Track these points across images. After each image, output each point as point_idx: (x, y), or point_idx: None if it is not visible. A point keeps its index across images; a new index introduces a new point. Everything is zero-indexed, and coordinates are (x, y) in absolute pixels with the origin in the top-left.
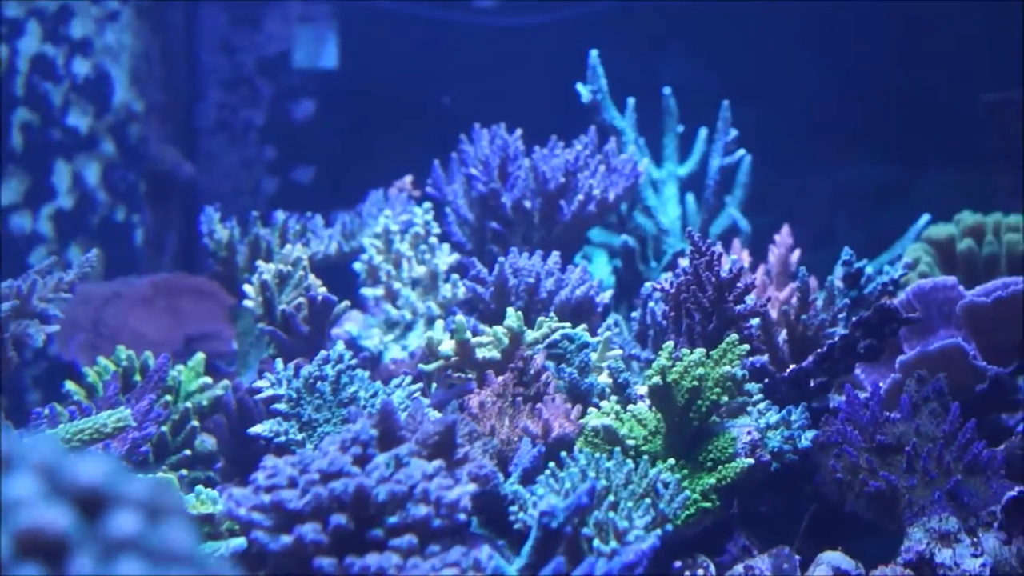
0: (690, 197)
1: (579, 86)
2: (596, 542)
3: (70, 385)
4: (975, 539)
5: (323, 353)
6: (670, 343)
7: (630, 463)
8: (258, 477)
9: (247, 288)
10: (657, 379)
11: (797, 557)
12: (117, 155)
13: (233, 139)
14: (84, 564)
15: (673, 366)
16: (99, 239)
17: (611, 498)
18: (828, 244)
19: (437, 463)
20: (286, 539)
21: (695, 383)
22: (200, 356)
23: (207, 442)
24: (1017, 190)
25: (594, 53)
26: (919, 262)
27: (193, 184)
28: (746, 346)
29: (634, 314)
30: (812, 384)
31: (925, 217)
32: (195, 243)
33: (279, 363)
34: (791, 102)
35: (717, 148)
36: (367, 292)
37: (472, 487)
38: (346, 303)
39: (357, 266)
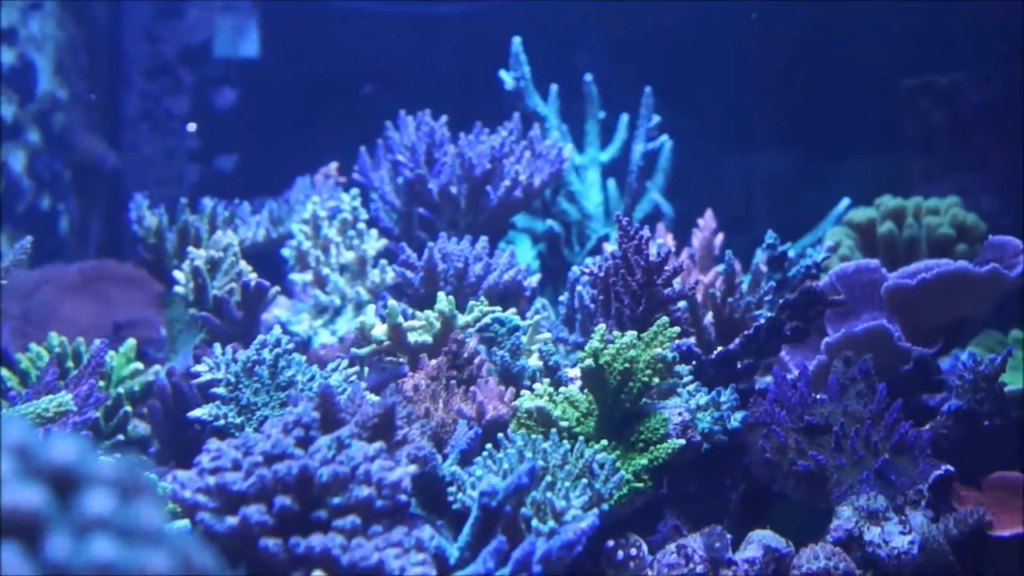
0: (611, 183)
1: (502, 73)
2: (534, 522)
3: (3, 371)
4: (903, 517)
5: (261, 337)
6: (602, 325)
7: (566, 444)
8: (202, 460)
9: (177, 274)
10: (589, 361)
11: (729, 536)
12: (42, 143)
13: (155, 128)
14: (59, 542)
15: (605, 348)
16: (24, 227)
17: (548, 478)
18: (744, 230)
19: (378, 445)
20: (231, 520)
21: (627, 365)
22: (131, 342)
23: (139, 427)
24: (933, 174)
25: (517, 40)
26: (840, 245)
27: (117, 172)
28: (676, 328)
29: (561, 298)
30: (739, 366)
31: (845, 201)
32: (119, 231)
33: (217, 347)
34: (706, 91)
35: (640, 134)
36: (296, 278)
37: (412, 468)
38: (276, 288)
39: (285, 252)
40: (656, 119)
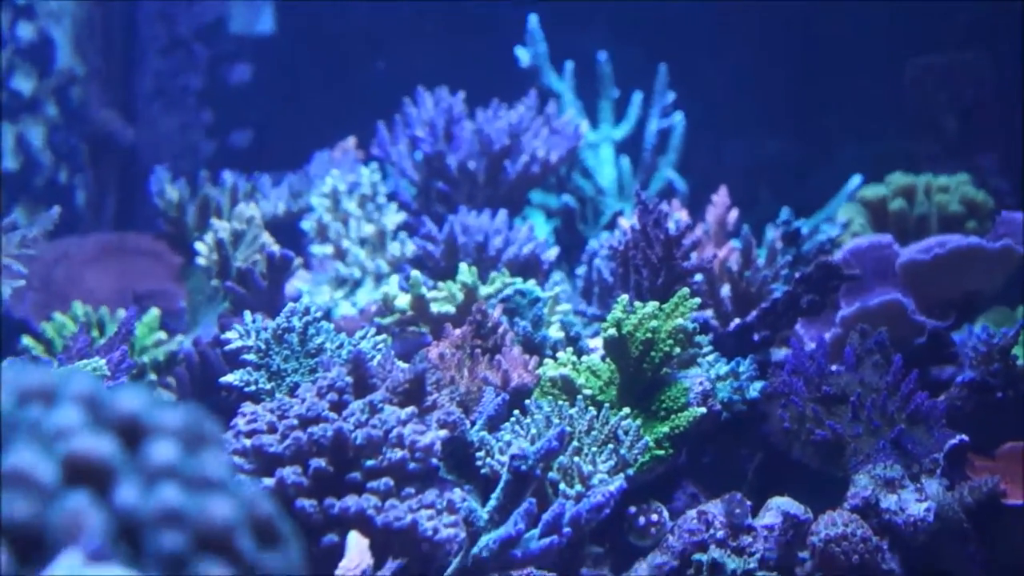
0: (624, 159)
1: (518, 50)
2: (562, 486)
3: (28, 340)
4: (919, 485)
5: (291, 305)
6: (624, 296)
7: (592, 410)
8: (238, 422)
9: (199, 246)
10: (612, 331)
11: (748, 503)
12: (60, 118)
13: (171, 103)
14: (128, 490)
15: (627, 318)
16: (43, 200)
17: (575, 444)
18: (748, 211)
19: (410, 409)
20: (268, 482)
21: (649, 335)
22: (154, 312)
23: (164, 396)
24: (939, 155)
25: (534, 17)
26: (852, 222)
27: (132, 147)
28: (697, 300)
29: (579, 271)
30: (756, 338)
31: (857, 178)
32: (134, 205)
33: (247, 315)
34: (710, 73)
35: (655, 111)
36: (316, 250)
37: (443, 432)
38: (300, 260)
39: (305, 225)
40: (671, 96)
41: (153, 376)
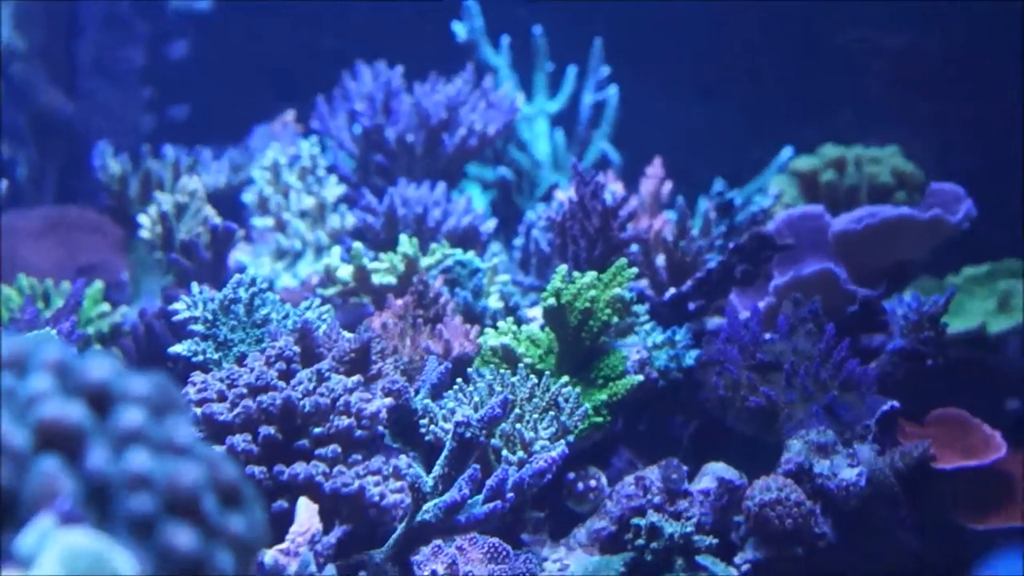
0: (559, 132)
1: (455, 25)
2: (505, 452)
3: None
4: (851, 450)
5: (237, 276)
6: (564, 266)
7: (533, 378)
8: (188, 391)
9: (142, 219)
10: (552, 301)
11: (684, 468)
12: (2, 94)
13: (110, 78)
14: (98, 455)
15: (566, 288)
16: None
17: (517, 411)
18: (684, 181)
19: (356, 378)
20: (218, 449)
21: (587, 304)
22: (98, 284)
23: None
24: (869, 128)
25: None
26: (784, 193)
27: (73, 122)
28: (634, 269)
29: (516, 242)
30: (691, 307)
31: (788, 150)
32: (75, 179)
33: (195, 286)
34: (646, 45)
35: (589, 84)
36: (257, 222)
37: (389, 400)
38: (242, 232)
39: (246, 197)
40: (605, 70)
41: (98, 347)
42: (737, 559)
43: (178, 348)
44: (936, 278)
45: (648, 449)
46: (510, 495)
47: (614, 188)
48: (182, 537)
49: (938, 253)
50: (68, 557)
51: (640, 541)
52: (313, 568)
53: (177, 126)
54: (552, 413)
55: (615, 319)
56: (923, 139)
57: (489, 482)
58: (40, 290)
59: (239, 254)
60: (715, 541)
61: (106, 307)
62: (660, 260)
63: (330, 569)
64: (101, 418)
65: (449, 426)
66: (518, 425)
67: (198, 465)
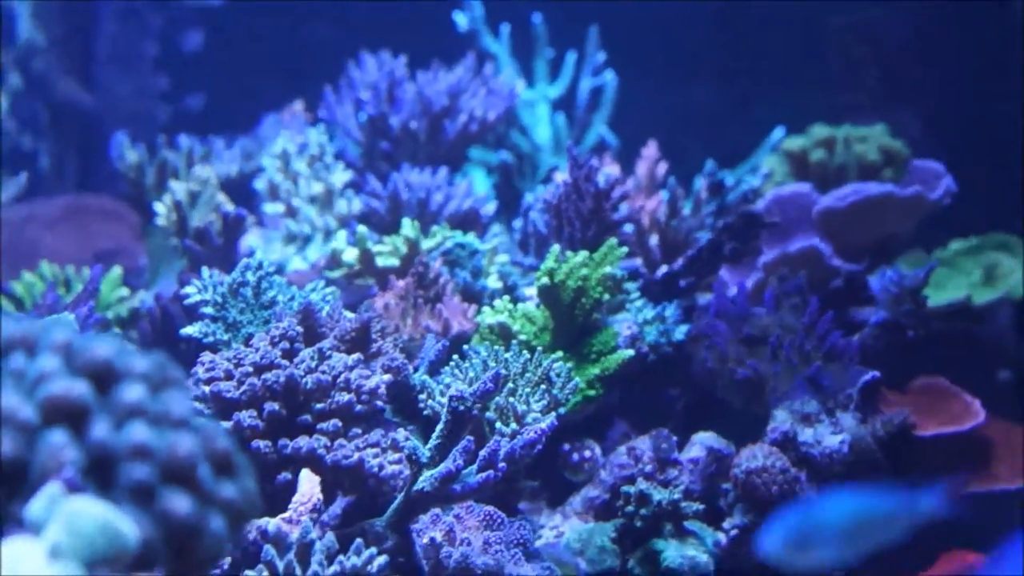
0: (560, 116)
1: (456, 15)
2: (498, 424)
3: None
4: (834, 419)
5: (245, 261)
6: (556, 246)
7: (526, 354)
8: (198, 370)
9: (158, 207)
10: (545, 279)
11: (675, 438)
12: (23, 87)
13: (126, 69)
14: (101, 428)
15: (559, 267)
16: (8, 165)
17: (510, 385)
18: (678, 161)
19: (356, 356)
20: (226, 425)
21: (580, 283)
22: (117, 270)
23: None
24: (862, 108)
25: None
26: (775, 172)
27: (91, 113)
28: (625, 248)
29: (516, 224)
30: (682, 284)
31: (780, 130)
32: (94, 168)
33: (205, 271)
34: (632, 29)
35: (587, 70)
36: (268, 208)
37: (387, 377)
38: (253, 218)
39: (257, 184)
40: (602, 56)
41: (118, 330)
42: (725, 524)
43: (189, 330)
44: (925, 252)
45: (643, 421)
46: (502, 465)
47: (609, 170)
48: (179, 503)
49: (931, 227)
50: (74, 522)
51: (630, 508)
52: (313, 535)
53: (192, 116)
54: (544, 387)
55: (606, 296)
56: (913, 115)
57: (482, 453)
58: (61, 277)
59: (251, 239)
60: (702, 507)
61: (125, 292)
62: (654, 239)
63: (330, 537)
64: (104, 394)
65: (444, 400)
66: (511, 399)
67: (194, 437)
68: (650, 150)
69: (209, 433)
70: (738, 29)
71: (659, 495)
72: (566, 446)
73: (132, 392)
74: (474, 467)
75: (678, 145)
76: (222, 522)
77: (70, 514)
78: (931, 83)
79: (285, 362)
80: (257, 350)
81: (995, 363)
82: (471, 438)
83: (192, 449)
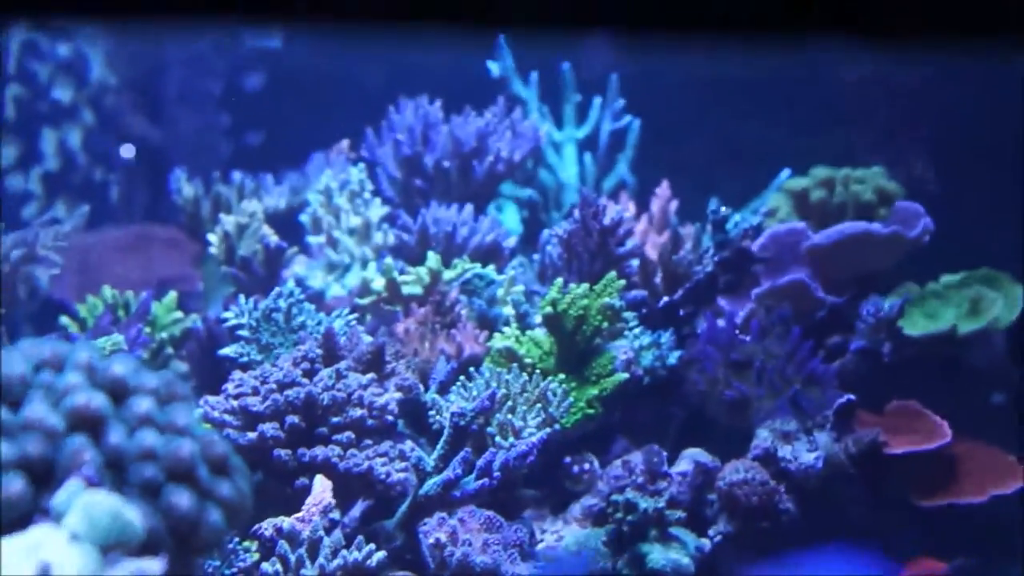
0: (588, 156)
1: (489, 63)
2: (498, 438)
3: (65, 319)
4: (811, 437)
5: (277, 289)
6: (560, 279)
7: (525, 375)
8: (228, 387)
9: (211, 237)
10: (549, 308)
11: (664, 453)
12: (95, 123)
13: (192, 108)
14: (116, 434)
15: (562, 298)
16: (80, 196)
17: (509, 403)
18: (710, 193)
19: (370, 376)
20: (251, 435)
21: (580, 312)
22: (172, 294)
23: (180, 366)
24: (873, 146)
25: (502, 37)
26: (779, 210)
27: (159, 147)
28: (623, 281)
29: (535, 256)
30: (681, 313)
31: (786, 172)
32: (161, 199)
33: (241, 297)
34: (670, 68)
35: (607, 115)
36: (311, 240)
37: (398, 395)
38: (295, 249)
39: (303, 218)
40: (621, 102)
41: (171, 350)
42: (710, 531)
43: (227, 350)
44: (918, 285)
45: (642, 437)
46: (497, 473)
47: (619, 209)
48: (181, 498)
49: (932, 262)
50: (91, 511)
51: (619, 515)
52: (321, 532)
53: (252, 151)
54: (540, 405)
55: (605, 324)
56: (919, 157)
57: (479, 463)
58: (121, 300)
59: (297, 267)
60: (684, 515)
61: (179, 314)
62: (658, 271)
63: (337, 534)
64: (119, 405)
65: (448, 415)
66: (510, 415)
67: (194, 442)
68: (663, 190)
69: (208, 440)
70: (756, 76)
71: (645, 503)
72: (568, 459)
73: (143, 404)
74: (472, 475)
75: (711, 179)
76: (219, 515)
77: (87, 505)
78: (938, 128)
79: (305, 381)
80: (281, 369)
81: (989, 388)
82: (469, 449)
83: (193, 452)
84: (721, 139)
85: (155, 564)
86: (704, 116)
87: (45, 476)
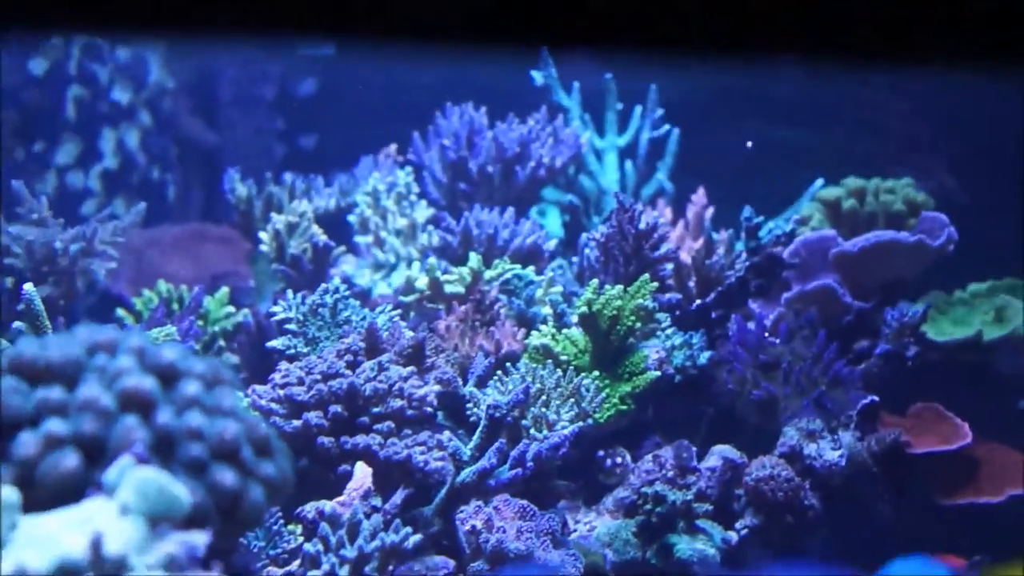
0: (629, 163)
1: (533, 72)
2: (532, 431)
3: (121, 312)
4: (835, 436)
5: (323, 285)
6: (595, 280)
7: (559, 371)
8: (275, 377)
9: (262, 235)
10: (584, 308)
11: (694, 448)
12: (153, 124)
13: (247, 111)
14: (165, 415)
15: (597, 298)
16: (138, 194)
17: (544, 398)
18: (746, 201)
19: (410, 369)
20: (296, 423)
21: (615, 312)
22: (225, 289)
23: (232, 358)
24: (902, 156)
25: (544, 48)
26: (812, 218)
27: (215, 149)
28: (655, 284)
29: (575, 259)
30: (713, 315)
31: (819, 181)
32: (216, 198)
33: (289, 293)
34: (706, 76)
35: (646, 124)
36: (359, 240)
37: (437, 387)
38: (342, 247)
39: (351, 218)
40: (660, 111)
41: (222, 342)
42: (737, 525)
43: (275, 343)
44: (946, 292)
45: (674, 433)
46: (530, 464)
47: (655, 214)
48: (225, 476)
49: (958, 272)
50: (140, 486)
51: (648, 506)
52: (361, 515)
53: (305, 154)
54: (573, 400)
55: (639, 324)
56: (949, 168)
57: (512, 453)
58: (176, 294)
59: (346, 266)
60: (711, 508)
61: (231, 309)
62: (692, 276)
63: (376, 518)
64: (168, 389)
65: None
66: (544, 409)
67: (239, 424)
68: (699, 196)
69: (252, 422)
70: (788, 88)
71: (673, 496)
72: (601, 453)
73: (190, 387)
74: (507, 465)
75: (748, 188)
76: (261, 493)
77: (137, 480)
78: (960, 140)
79: (348, 372)
80: (325, 361)
81: (1014, 394)
82: (503, 440)
83: (237, 434)
84: (759, 149)
85: (200, 537)
86: (741, 126)
87: (98, 453)
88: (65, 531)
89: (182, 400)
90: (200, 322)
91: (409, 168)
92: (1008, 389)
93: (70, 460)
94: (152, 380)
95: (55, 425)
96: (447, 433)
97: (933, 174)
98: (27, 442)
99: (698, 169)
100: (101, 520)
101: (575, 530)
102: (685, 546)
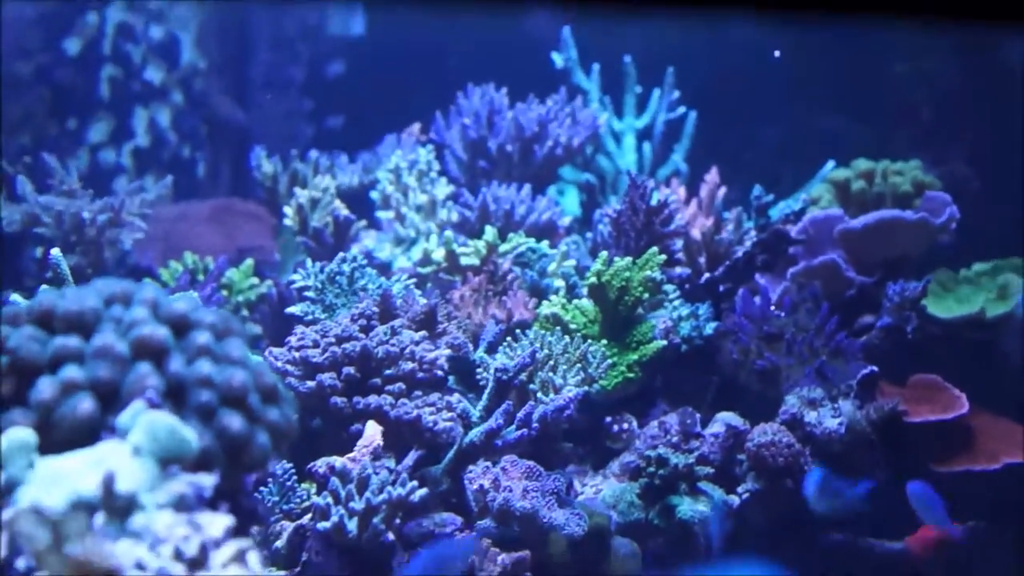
0: (647, 144)
1: (554, 55)
2: (539, 394)
3: (148, 282)
4: (835, 405)
5: (341, 255)
6: (605, 253)
7: (567, 338)
8: (291, 339)
9: (287, 210)
10: (594, 279)
11: (698, 415)
12: (184, 104)
13: (277, 92)
14: (177, 363)
15: (606, 270)
16: (169, 171)
17: (551, 363)
18: (773, 187)
19: (422, 333)
20: (311, 384)
21: (623, 283)
22: (249, 261)
23: (254, 328)
24: (918, 144)
25: (566, 29)
26: (822, 199)
27: (244, 128)
28: (663, 256)
29: (588, 234)
30: (721, 289)
31: (831, 163)
32: (244, 175)
33: (308, 261)
34: (739, 61)
35: (663, 106)
36: (381, 215)
37: (447, 352)
38: (363, 222)
39: (373, 194)
40: (676, 94)
41: (245, 312)
42: (739, 488)
43: (294, 309)
44: (952, 270)
45: (680, 401)
46: (535, 425)
47: (667, 192)
48: (233, 421)
49: (967, 255)
50: (151, 429)
51: (651, 469)
52: (369, 471)
53: (333, 134)
54: (580, 366)
55: (646, 295)
56: (964, 155)
57: (519, 414)
58: (201, 265)
59: (368, 241)
60: (711, 471)
61: (255, 280)
62: (701, 251)
63: (385, 473)
64: (180, 338)
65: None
66: (551, 374)
67: (247, 372)
68: (712, 176)
69: (260, 370)
70: (809, 73)
71: (676, 459)
72: (608, 418)
73: (201, 337)
74: (513, 426)
75: (776, 174)
76: (266, 438)
77: (149, 423)
78: (977, 122)
79: (362, 335)
80: (339, 325)
81: (1015, 368)
82: (510, 402)
83: (245, 381)
84: (777, 131)
85: (208, 478)
86: (760, 111)
87: (112, 398)
88: (79, 471)
89: (193, 349)
90: (224, 292)
91: (431, 146)
92: (1010, 364)
93: (86, 404)
94: (165, 329)
95: (72, 371)
96: (456, 395)
97: (948, 158)
98: (45, 387)
99: (714, 151)
100: (114, 461)
101: (582, 492)
102: (686, 507)
